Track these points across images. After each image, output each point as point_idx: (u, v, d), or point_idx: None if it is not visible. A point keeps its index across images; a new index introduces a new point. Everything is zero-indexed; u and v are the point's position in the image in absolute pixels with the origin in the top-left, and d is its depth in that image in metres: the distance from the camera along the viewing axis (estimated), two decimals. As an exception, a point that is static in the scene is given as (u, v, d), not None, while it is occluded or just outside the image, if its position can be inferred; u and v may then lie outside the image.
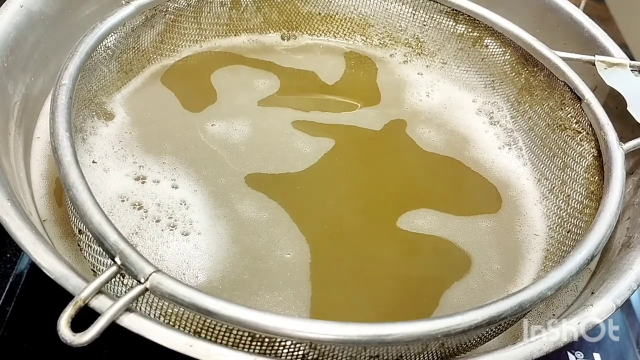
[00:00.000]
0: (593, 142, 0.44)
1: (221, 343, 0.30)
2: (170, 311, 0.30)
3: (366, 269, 0.41)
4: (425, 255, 0.43)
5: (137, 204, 0.41)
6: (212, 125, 0.48)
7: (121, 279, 0.31)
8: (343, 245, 0.42)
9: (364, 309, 0.39)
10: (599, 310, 0.33)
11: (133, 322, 0.27)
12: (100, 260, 0.33)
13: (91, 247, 0.33)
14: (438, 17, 0.55)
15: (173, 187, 0.43)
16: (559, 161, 0.47)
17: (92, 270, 0.35)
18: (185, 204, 0.42)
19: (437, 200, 0.46)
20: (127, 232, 0.40)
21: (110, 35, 0.44)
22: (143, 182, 0.43)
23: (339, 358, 0.30)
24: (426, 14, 0.56)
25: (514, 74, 0.53)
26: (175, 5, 0.51)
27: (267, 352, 0.30)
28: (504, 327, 0.36)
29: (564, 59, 0.48)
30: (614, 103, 0.47)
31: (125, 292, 0.27)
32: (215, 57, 0.55)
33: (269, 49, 0.57)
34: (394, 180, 0.48)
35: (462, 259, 0.43)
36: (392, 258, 0.42)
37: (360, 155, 0.49)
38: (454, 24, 0.55)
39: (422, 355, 0.32)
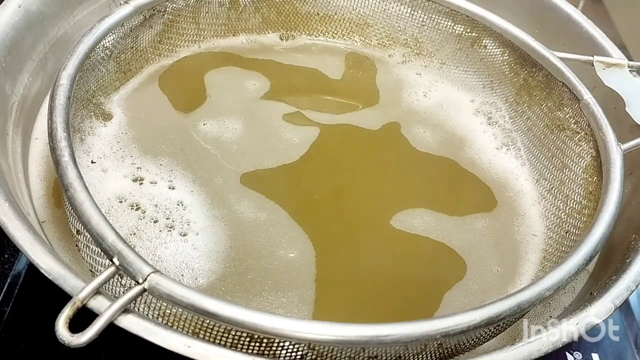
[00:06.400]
0: (591, 143, 0.44)
1: (219, 344, 0.30)
2: (169, 312, 0.30)
3: (369, 270, 0.41)
4: (425, 258, 0.43)
5: (134, 204, 0.41)
6: (204, 124, 0.48)
7: (119, 279, 0.31)
8: (344, 245, 0.42)
9: (366, 311, 0.39)
10: (598, 310, 0.33)
11: (131, 323, 0.27)
12: (99, 261, 0.33)
13: (89, 247, 0.33)
14: (436, 17, 0.55)
15: (170, 188, 0.43)
16: (557, 161, 0.47)
17: (90, 271, 0.35)
18: (182, 205, 0.42)
19: (432, 201, 0.46)
20: (125, 233, 0.40)
21: (108, 36, 0.44)
22: (141, 184, 0.43)
23: (338, 358, 0.30)
24: (425, 15, 0.56)
25: (512, 74, 0.53)
26: (174, 5, 0.51)
27: (266, 352, 0.30)
28: (502, 327, 0.36)
29: (562, 59, 0.48)
30: (613, 103, 0.47)
31: (124, 292, 0.27)
32: (213, 57, 0.55)
33: (268, 49, 0.57)
34: (388, 179, 0.48)
35: (462, 261, 0.43)
36: (393, 259, 0.42)
37: (356, 154, 0.49)
38: (453, 24, 0.55)
39: (421, 356, 0.32)
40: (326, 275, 0.40)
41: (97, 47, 0.43)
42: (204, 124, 0.48)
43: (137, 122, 0.47)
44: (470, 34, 0.54)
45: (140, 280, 0.28)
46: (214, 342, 0.30)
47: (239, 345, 0.30)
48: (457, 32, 0.55)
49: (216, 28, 0.55)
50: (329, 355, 0.30)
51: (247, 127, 0.49)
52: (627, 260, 0.37)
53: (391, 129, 0.51)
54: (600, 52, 0.50)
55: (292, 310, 0.38)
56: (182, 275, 0.38)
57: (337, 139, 0.50)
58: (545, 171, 0.48)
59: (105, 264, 0.31)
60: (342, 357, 0.30)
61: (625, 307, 0.46)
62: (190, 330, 0.30)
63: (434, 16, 0.55)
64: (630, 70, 0.48)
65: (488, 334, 0.35)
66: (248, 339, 0.29)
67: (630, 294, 0.35)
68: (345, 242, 0.43)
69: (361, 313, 0.39)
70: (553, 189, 0.47)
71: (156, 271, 0.28)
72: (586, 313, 0.33)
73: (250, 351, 0.30)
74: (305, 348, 0.30)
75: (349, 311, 0.39)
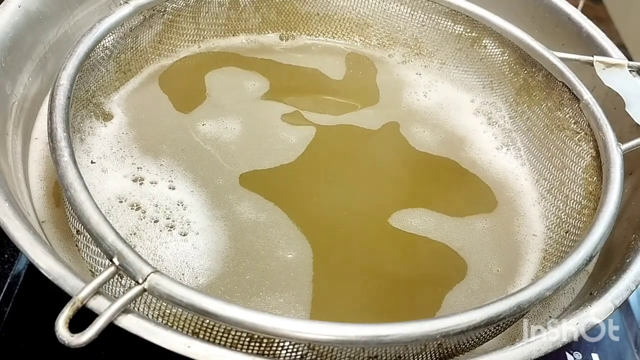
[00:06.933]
0: (591, 143, 0.44)
1: (219, 344, 0.30)
2: (169, 312, 0.30)
3: (367, 271, 0.41)
4: (426, 258, 0.43)
5: (135, 204, 0.41)
6: (203, 125, 0.48)
7: (119, 279, 0.31)
8: (343, 245, 0.42)
9: (364, 312, 0.39)
10: (598, 310, 0.33)
11: (131, 323, 0.27)
12: (98, 261, 0.33)
13: (89, 247, 0.33)
14: (436, 17, 0.55)
15: (170, 188, 0.43)
16: (557, 161, 0.47)
17: (90, 271, 0.35)
18: (182, 205, 0.42)
19: (433, 200, 0.46)
20: (125, 233, 0.40)
21: (108, 36, 0.44)
22: (141, 184, 0.43)
23: (338, 359, 0.30)
24: (424, 15, 0.56)
25: (512, 74, 0.53)
26: (174, 5, 0.51)
27: (266, 352, 0.30)
28: (502, 327, 0.36)
29: (562, 59, 0.48)
30: (613, 103, 0.47)
31: (123, 292, 0.27)
32: (213, 57, 0.55)
33: (268, 49, 0.57)
34: (388, 179, 0.48)
35: (462, 261, 0.43)
36: (392, 259, 0.42)
37: (355, 154, 0.49)
38: (453, 24, 0.55)
39: (421, 356, 0.32)
40: (324, 277, 0.40)
41: (97, 47, 0.43)
42: (203, 125, 0.48)
43: (137, 122, 0.47)
44: (470, 34, 0.54)
45: (140, 280, 0.28)
46: (214, 342, 0.30)
47: (239, 345, 0.30)
48: (457, 32, 0.55)
49: (216, 28, 0.55)
50: (329, 355, 0.30)
51: (246, 128, 0.49)
52: (627, 260, 0.37)
53: (391, 129, 0.51)
54: (600, 52, 0.50)
55: (289, 311, 0.38)
56: (183, 274, 0.38)
57: (336, 139, 0.50)
58: (545, 171, 0.48)
59: (105, 264, 0.31)
60: (342, 357, 0.30)
61: (625, 307, 0.46)
62: (190, 330, 0.30)
63: (434, 16, 0.55)
64: (630, 70, 0.48)
65: (488, 334, 0.35)
66: (248, 339, 0.29)
67: (630, 294, 0.35)
68: (343, 242, 0.43)
69: (359, 314, 0.39)
70: (553, 189, 0.47)
71: (156, 271, 0.28)
72: (586, 313, 0.33)
73: (250, 351, 0.30)
74: (305, 348, 0.30)
75: (346, 312, 0.39)
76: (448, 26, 0.55)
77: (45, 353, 0.38)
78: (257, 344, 0.29)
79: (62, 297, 0.28)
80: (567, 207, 0.45)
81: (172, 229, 0.41)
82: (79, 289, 0.27)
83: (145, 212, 0.41)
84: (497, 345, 0.36)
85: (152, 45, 0.51)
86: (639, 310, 0.46)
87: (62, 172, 0.32)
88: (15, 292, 0.41)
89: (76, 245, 0.37)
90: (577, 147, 0.45)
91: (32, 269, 0.40)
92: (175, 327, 0.30)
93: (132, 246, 0.29)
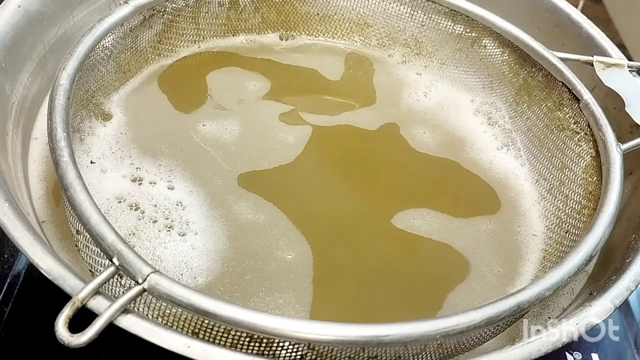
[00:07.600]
0: (591, 143, 0.44)
1: (219, 344, 0.30)
2: (168, 312, 0.30)
3: (367, 271, 0.41)
4: (427, 258, 0.43)
5: (134, 205, 0.41)
6: (203, 125, 0.48)
7: (119, 279, 0.31)
8: (343, 246, 0.42)
9: (364, 313, 0.39)
10: (598, 310, 0.33)
11: (131, 323, 0.27)
12: (98, 261, 0.33)
13: (89, 247, 0.33)
14: (436, 17, 0.55)
15: (169, 188, 0.43)
16: (557, 162, 0.47)
17: (90, 271, 0.35)
18: (181, 205, 0.42)
19: (436, 201, 0.46)
20: (125, 233, 0.40)
21: (108, 36, 0.44)
22: (140, 184, 0.43)
23: (338, 358, 0.30)
24: (424, 15, 0.56)
25: (512, 74, 0.53)
26: (173, 5, 0.51)
27: (265, 352, 0.30)
28: (502, 327, 0.36)
29: (562, 59, 0.48)
30: (612, 103, 0.47)
31: (123, 292, 0.27)
32: (213, 57, 0.55)
33: (267, 49, 0.57)
34: (387, 179, 0.48)
35: (465, 261, 0.43)
36: (393, 259, 0.42)
37: (354, 154, 0.49)
38: (452, 24, 0.55)
39: (421, 356, 0.32)
40: (323, 277, 0.40)
41: (97, 47, 0.43)
42: (203, 125, 0.48)
43: (136, 123, 0.47)
44: (470, 34, 0.54)
45: (140, 280, 0.28)
46: (213, 342, 0.30)
47: (239, 345, 0.30)
48: (457, 32, 0.55)
49: (216, 28, 0.55)
50: (329, 355, 0.30)
51: (245, 128, 0.49)
52: (627, 260, 0.37)
53: (390, 130, 0.51)
54: (600, 52, 0.50)
55: (288, 312, 0.38)
56: (182, 275, 0.38)
57: (335, 139, 0.50)
58: (545, 171, 0.48)
59: (105, 264, 0.31)
60: (342, 357, 0.30)
61: (625, 307, 0.46)
62: (190, 330, 0.30)
63: (434, 16, 0.55)
64: (630, 70, 0.48)
65: (488, 334, 0.35)
66: (248, 339, 0.29)
67: (630, 294, 0.35)
68: (343, 243, 0.43)
69: (358, 315, 0.39)
70: (553, 189, 0.47)
71: (156, 271, 0.28)
72: (586, 313, 0.33)
73: (250, 351, 0.30)
74: (305, 348, 0.30)
75: (346, 313, 0.39)
76: (448, 26, 0.55)
77: (45, 353, 0.38)
78: (257, 344, 0.29)
79: (62, 297, 0.28)
80: (567, 207, 0.45)
81: (171, 229, 0.40)
82: (78, 289, 0.27)
83: (144, 212, 0.41)
84: (497, 345, 0.36)
85: (152, 45, 0.51)
86: (639, 310, 0.46)
87: (62, 172, 0.32)
88: (15, 292, 0.41)
89: (76, 245, 0.37)
90: (577, 147, 0.45)
91: (32, 269, 0.40)
92: (175, 327, 0.30)
93: (132, 246, 0.29)
